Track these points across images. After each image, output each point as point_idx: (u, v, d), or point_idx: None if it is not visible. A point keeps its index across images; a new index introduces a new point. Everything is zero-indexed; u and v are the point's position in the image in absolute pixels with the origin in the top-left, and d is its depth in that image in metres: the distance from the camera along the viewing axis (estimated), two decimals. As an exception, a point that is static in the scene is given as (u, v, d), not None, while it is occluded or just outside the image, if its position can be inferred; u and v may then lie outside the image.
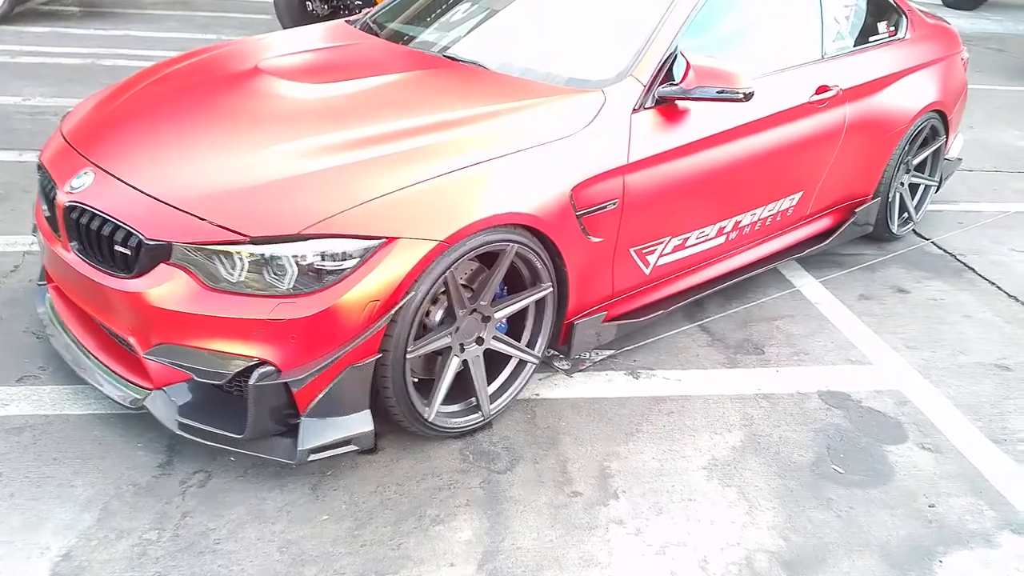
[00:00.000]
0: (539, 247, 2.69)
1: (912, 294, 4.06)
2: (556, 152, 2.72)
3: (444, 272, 2.45)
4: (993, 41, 10.89)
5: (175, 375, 2.41)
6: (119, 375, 2.56)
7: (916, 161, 4.51)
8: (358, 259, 2.31)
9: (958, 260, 4.47)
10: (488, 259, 2.64)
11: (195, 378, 2.35)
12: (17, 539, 2.22)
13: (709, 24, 3.28)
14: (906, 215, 4.58)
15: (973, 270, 4.37)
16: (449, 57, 3.24)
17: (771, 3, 3.68)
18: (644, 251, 3.10)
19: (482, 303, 2.65)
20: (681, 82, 2.93)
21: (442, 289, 2.52)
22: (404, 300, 2.37)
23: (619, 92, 2.94)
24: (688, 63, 2.91)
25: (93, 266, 2.49)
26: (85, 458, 2.52)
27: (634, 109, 2.93)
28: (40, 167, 2.83)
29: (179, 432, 2.42)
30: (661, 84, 2.98)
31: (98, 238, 2.45)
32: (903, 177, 4.44)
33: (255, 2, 9.40)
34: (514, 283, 2.79)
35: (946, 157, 4.75)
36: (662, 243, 3.16)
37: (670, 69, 2.99)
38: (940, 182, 4.80)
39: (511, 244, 2.59)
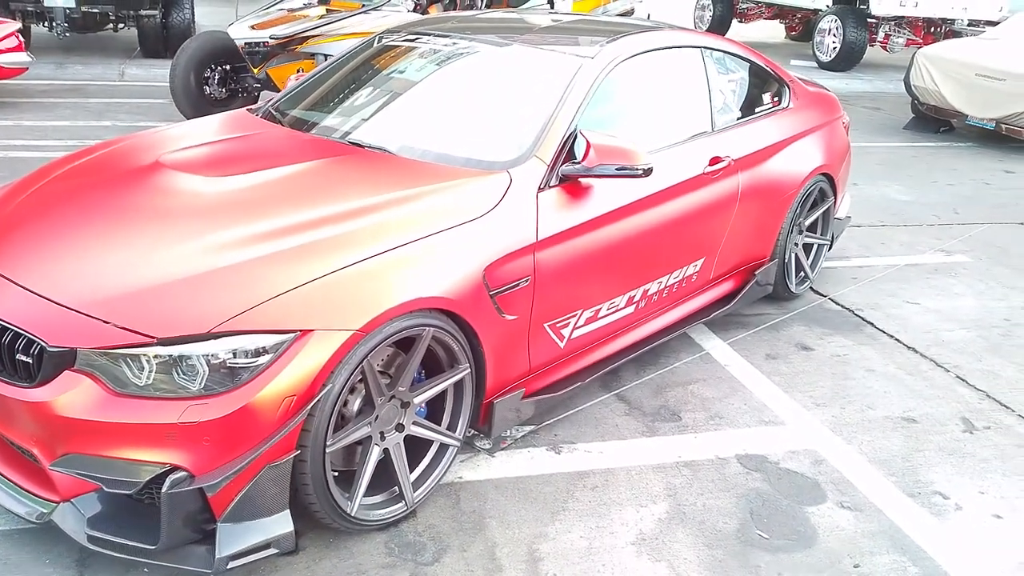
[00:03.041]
0: (455, 329, 2.69)
1: (816, 351, 4.20)
2: (466, 234, 2.75)
3: (361, 361, 2.42)
4: (867, 100, 11.53)
5: (83, 486, 2.30)
6: (23, 488, 2.42)
7: (808, 222, 4.71)
8: (272, 354, 2.27)
9: (856, 315, 4.65)
10: (404, 344, 2.62)
11: (104, 488, 2.25)
12: None
13: (605, 103, 3.39)
14: (803, 274, 4.76)
15: (872, 324, 4.55)
16: (354, 143, 3.26)
17: (661, 81, 3.84)
18: (558, 325, 3.13)
19: (401, 389, 2.63)
20: (583, 160, 3.02)
21: (359, 378, 2.49)
22: (321, 393, 2.33)
23: (524, 172, 3.00)
24: (588, 142, 3.00)
25: (-9, 376, 2.38)
26: (-14, 580, 2.38)
27: (539, 188, 3.00)
28: (-70, 274, 2.71)
29: (89, 545, 2.30)
30: (564, 163, 3.06)
31: (-4, 346, 2.35)
32: (797, 238, 4.63)
33: (150, 87, 9.28)
34: (431, 366, 2.78)
35: (836, 217, 4.97)
36: (575, 316, 3.20)
37: (571, 148, 3.07)
38: (832, 240, 5.01)
39: (427, 328, 2.58)
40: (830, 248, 5.03)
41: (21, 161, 6.24)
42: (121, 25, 10.55)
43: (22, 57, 7.98)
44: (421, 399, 2.72)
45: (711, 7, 16.33)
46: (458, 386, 2.82)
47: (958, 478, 3.22)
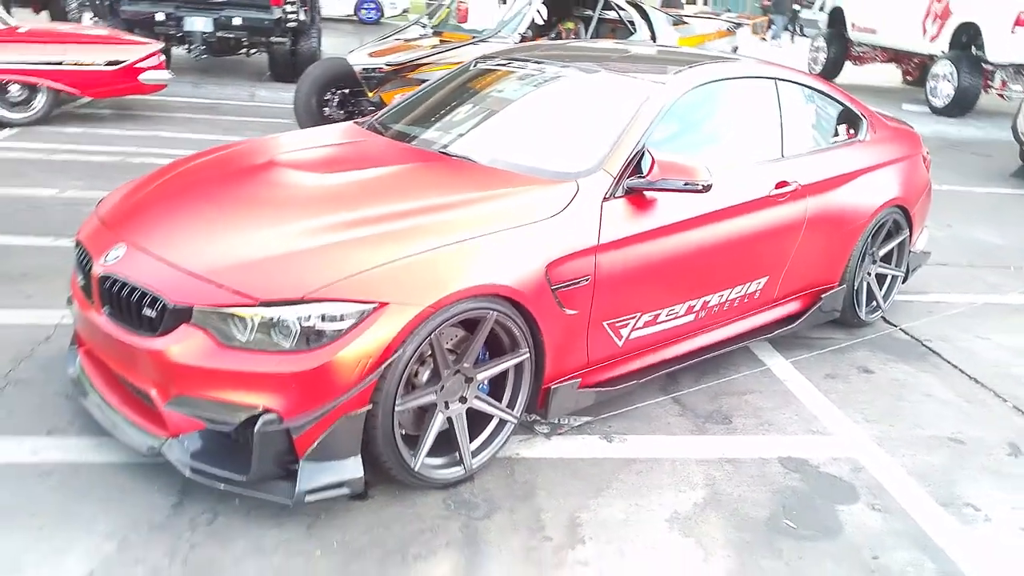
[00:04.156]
0: (517, 316, 3.02)
1: (877, 374, 4.34)
2: (532, 233, 3.08)
3: (429, 335, 2.78)
4: (978, 146, 11.38)
5: (189, 424, 2.73)
6: (139, 426, 2.88)
7: (882, 253, 4.85)
8: (353, 321, 2.65)
9: (924, 345, 4.75)
10: (472, 326, 2.96)
11: (207, 426, 2.67)
12: (45, 563, 2.51)
13: (675, 125, 3.69)
14: (874, 303, 4.89)
15: (938, 354, 4.65)
16: (443, 152, 3.65)
17: (731, 108, 4.11)
18: (616, 324, 3.42)
19: (465, 365, 2.97)
20: (647, 175, 3.32)
21: (429, 351, 2.85)
22: (393, 357, 2.69)
23: (591, 182, 3.32)
24: (653, 158, 3.30)
25: (122, 327, 2.84)
26: (107, 499, 2.82)
27: (605, 198, 3.31)
28: (77, 244, 3.21)
29: (191, 476, 2.72)
30: (630, 177, 3.37)
31: (128, 303, 2.81)
32: (869, 267, 4.77)
33: (276, 107, 10.02)
34: (496, 349, 3.11)
35: (912, 250, 5.08)
36: (633, 318, 3.48)
37: (638, 164, 3.37)
38: (907, 273, 5.11)
39: (491, 312, 2.92)
40: (904, 280, 5.13)
41: (157, 167, 6.89)
42: (253, 51, 11.41)
43: (163, 75, 8.78)
44: (483, 376, 3.05)
45: (825, 49, 16.35)
46: (518, 368, 3.14)
47: (995, 493, 3.34)
